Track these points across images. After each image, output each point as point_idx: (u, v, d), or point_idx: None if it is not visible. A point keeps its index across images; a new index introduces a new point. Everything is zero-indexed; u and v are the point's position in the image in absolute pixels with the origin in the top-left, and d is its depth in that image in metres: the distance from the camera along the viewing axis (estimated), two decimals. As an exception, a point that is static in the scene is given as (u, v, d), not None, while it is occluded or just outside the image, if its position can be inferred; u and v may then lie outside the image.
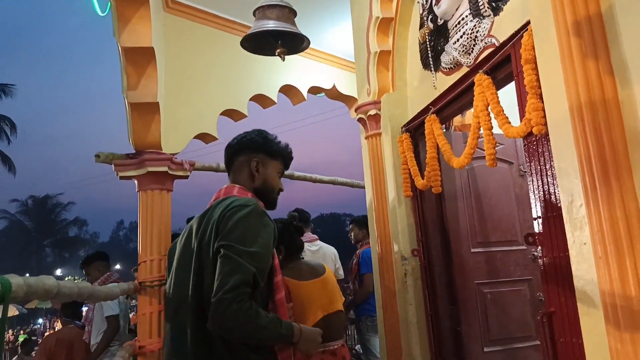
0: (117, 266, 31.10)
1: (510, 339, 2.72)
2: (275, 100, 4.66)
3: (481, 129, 2.03)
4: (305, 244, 2.63)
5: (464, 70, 2.26)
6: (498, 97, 1.91)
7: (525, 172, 3.01)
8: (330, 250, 4.24)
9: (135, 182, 3.98)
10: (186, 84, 4.06)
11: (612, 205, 1.19)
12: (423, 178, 2.62)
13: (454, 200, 2.80)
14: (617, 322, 1.18)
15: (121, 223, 74.50)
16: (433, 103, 2.49)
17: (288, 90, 4.79)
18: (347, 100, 5.34)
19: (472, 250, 2.77)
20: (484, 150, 2.90)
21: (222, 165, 4.66)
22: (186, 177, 4.08)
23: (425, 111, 2.62)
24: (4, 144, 32.83)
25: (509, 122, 1.83)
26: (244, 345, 1.40)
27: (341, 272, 4.38)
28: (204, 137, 4.29)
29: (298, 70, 4.81)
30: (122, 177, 3.95)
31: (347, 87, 5.16)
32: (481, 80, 1.97)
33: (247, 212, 1.45)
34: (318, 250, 4.15)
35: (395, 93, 2.99)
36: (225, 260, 1.37)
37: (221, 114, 4.31)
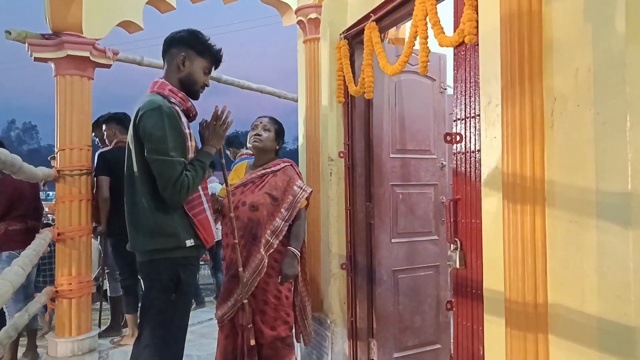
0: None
1: (413, 232, 3.14)
2: (205, -5, 4.47)
3: (417, 38, 2.21)
4: None
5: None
6: (436, 9, 2.08)
7: (446, 89, 3.32)
8: None
9: (52, 65, 3.73)
10: (113, -40, 3.74)
11: (523, 104, 1.46)
12: (356, 85, 2.80)
13: (380, 109, 3.03)
14: (514, 198, 1.49)
15: (12, 122, 67.49)
16: (374, 11, 2.62)
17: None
18: (280, 6, 5.26)
19: (391, 155, 3.07)
20: (411, 64, 3.14)
21: (147, 59, 4.52)
22: (108, 66, 3.91)
23: (365, 19, 2.74)
24: None
25: (444, 32, 2.03)
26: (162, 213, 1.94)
27: None
28: (128, 26, 4.06)
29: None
30: (37, 59, 3.67)
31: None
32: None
33: (155, 116, 1.86)
34: None
35: (336, -1, 3.06)
36: (157, 162, 1.86)
37: (147, 2, 4.07)
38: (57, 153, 3.63)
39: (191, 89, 2.07)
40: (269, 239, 2.59)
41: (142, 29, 4.08)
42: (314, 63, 3.15)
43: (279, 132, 2.80)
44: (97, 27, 3.77)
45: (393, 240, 3.07)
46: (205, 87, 2.14)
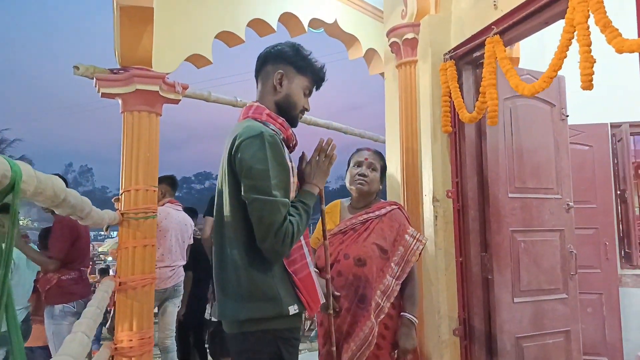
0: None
1: (539, 290, 2.56)
2: (275, 28, 4.22)
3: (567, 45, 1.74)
4: None
5: (545, -18, 1.95)
6: (604, 7, 1.61)
7: (568, 115, 2.79)
8: None
9: (120, 101, 3.49)
10: (182, -4, 3.54)
11: None
12: (471, 111, 2.33)
13: (494, 140, 2.54)
14: None
15: (70, 165, 71.70)
16: (496, 23, 2.18)
17: (288, 20, 4.33)
18: (348, 39, 4.97)
19: (509, 195, 2.55)
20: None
21: (214, 94, 4.27)
22: (177, 101, 3.63)
23: (482, 33, 2.31)
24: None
25: (621, 35, 1.55)
26: (261, 272, 1.48)
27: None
28: (197, 60, 3.82)
29: (300, -1, 4.35)
30: (104, 95, 3.44)
31: (350, 25, 4.77)
32: (583, -14, 1.67)
33: (256, 146, 1.44)
34: None
35: (438, 16, 2.65)
36: (256, 202, 1.43)
37: (216, 36, 3.84)
38: (121, 194, 3.34)
39: (290, 113, 1.65)
40: (380, 301, 2.07)
41: (211, 62, 3.84)
42: (411, 89, 2.72)
43: (384, 169, 2.31)
44: (166, 61, 3.55)
45: (516, 300, 2.49)
46: (306, 112, 1.72)
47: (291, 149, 1.68)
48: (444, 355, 2.46)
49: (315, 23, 4.56)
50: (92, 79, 3.38)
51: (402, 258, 2.12)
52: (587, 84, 1.65)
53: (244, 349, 1.51)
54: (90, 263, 4.01)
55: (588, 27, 1.66)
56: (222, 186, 1.54)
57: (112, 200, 4.53)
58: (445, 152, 2.59)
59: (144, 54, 3.36)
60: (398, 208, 2.24)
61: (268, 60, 1.64)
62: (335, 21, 4.64)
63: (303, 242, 1.60)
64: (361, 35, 4.91)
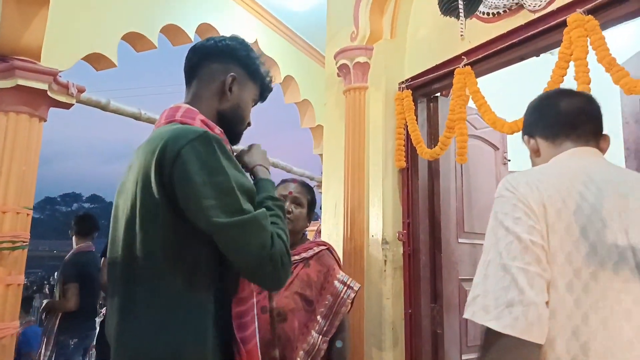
0: None
1: (485, 345, 2.37)
2: (192, 38, 3.79)
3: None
4: None
5: (525, 15, 1.83)
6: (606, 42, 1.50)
7: (509, 160, 2.74)
8: None
9: (-9, 97, 2.76)
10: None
11: None
12: (430, 146, 2.13)
13: (447, 179, 2.36)
14: None
15: None
16: (468, 54, 2.01)
17: (205, 31, 3.94)
18: (266, 62, 4.69)
19: (459, 240, 2.36)
20: (475, 128, 2.54)
21: (113, 104, 3.65)
22: (69, 106, 2.99)
23: (444, 65, 2.14)
24: None
25: (628, 74, 1.42)
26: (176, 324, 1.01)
27: None
28: (97, 60, 3.25)
29: (218, 8, 4.01)
30: (-31, 88, 2.69)
31: (271, 48, 4.51)
32: (581, 21, 1.55)
33: (204, 151, 1.03)
34: None
35: (393, 41, 2.45)
36: (233, 228, 1.00)
37: (123, 37, 3.31)
38: (-18, 216, 2.59)
39: (235, 127, 1.27)
40: None
41: (115, 65, 3.29)
42: (360, 117, 2.46)
43: (312, 204, 1.95)
44: (60, 56, 2.93)
45: (464, 357, 2.27)
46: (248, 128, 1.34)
47: None
48: None
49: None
50: (-46, 65, 2.62)
51: (330, 309, 1.77)
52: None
53: None
54: None
55: (587, 64, 1.53)
56: (129, 213, 1.07)
57: None
58: (396, 189, 2.34)
59: (33, 42, 2.72)
60: (327, 249, 1.89)
61: (213, 56, 1.24)
62: (256, 41, 4.33)
63: (254, 297, 1.18)
64: (281, 60, 4.66)
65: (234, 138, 1.27)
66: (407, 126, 2.27)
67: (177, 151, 1.01)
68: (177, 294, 1.02)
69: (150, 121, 3.75)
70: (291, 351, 1.66)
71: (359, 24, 2.51)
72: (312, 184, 5.45)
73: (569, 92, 1.13)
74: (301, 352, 1.68)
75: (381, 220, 2.29)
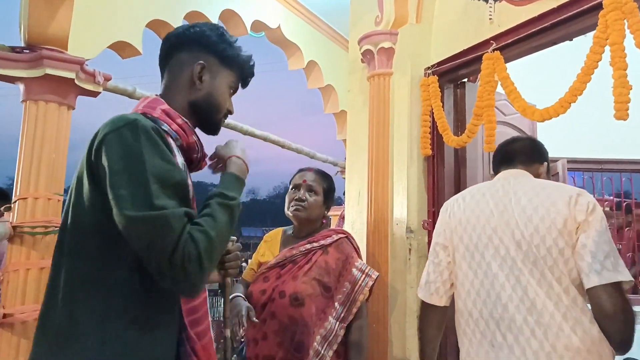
0: None
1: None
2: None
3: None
4: None
5: (558, -2, 1.75)
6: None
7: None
8: None
9: (21, 87, 2.81)
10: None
11: None
12: (457, 133, 2.08)
13: (474, 167, 2.32)
14: None
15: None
16: (496, 38, 1.95)
17: (229, 18, 3.92)
18: (290, 48, 4.68)
19: (486, 229, 2.32)
20: (504, 114, 2.47)
21: (139, 91, 3.69)
22: (96, 94, 3.03)
23: (472, 50, 2.08)
24: None
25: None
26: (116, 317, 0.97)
27: None
28: (122, 49, 3.28)
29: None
30: (1, 78, 2.75)
31: (294, 33, 4.48)
32: (619, 3, 1.47)
33: (124, 140, 0.98)
34: None
35: (419, 26, 2.39)
36: (134, 222, 0.94)
37: (148, 24, 3.32)
38: (15, 202, 2.67)
39: (211, 117, 1.23)
40: (320, 348, 1.71)
41: (140, 53, 3.31)
42: (384, 104, 2.42)
43: (329, 192, 1.95)
44: (86, 45, 2.96)
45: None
46: (229, 115, 1.30)
47: (193, 167, 1.21)
48: (413, 411, 2.14)
49: (257, 26, 4.18)
50: (-13, 56, 2.68)
51: (347, 297, 1.79)
52: (622, 113, 1.45)
53: None
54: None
55: (624, 49, 1.47)
56: (69, 202, 1.05)
57: (1, 209, 3.68)
58: (422, 177, 2.31)
59: (59, 32, 2.75)
60: (346, 237, 1.90)
61: (182, 45, 1.20)
62: (279, 27, 4.30)
63: (206, 290, 1.17)
64: (304, 45, 4.62)
65: (212, 128, 1.26)
66: (433, 113, 2.23)
67: (102, 138, 0.99)
68: (118, 292, 0.98)
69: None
70: (308, 336, 1.70)
71: (384, 8, 2.46)
72: (335, 169, 5.44)
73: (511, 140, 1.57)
74: (318, 337, 1.72)
75: (406, 208, 2.27)
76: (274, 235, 2.03)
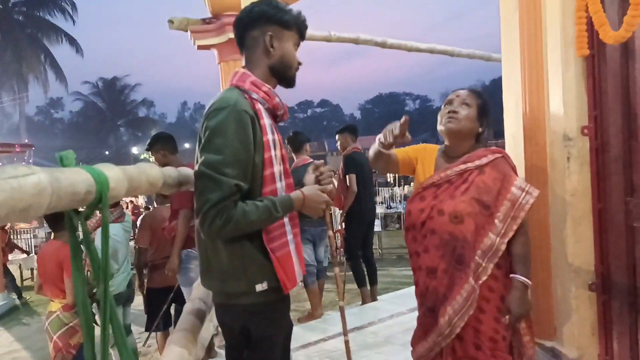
0: (187, 145, 32.41)
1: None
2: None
3: None
4: None
5: None
6: None
7: None
8: None
9: (215, 52, 3.46)
10: None
11: None
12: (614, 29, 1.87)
13: (647, 60, 2.05)
14: None
15: (185, 104, 77.06)
16: None
17: None
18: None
19: (665, 127, 2.08)
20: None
21: (335, 33, 4.03)
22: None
23: None
24: (69, 25, 33.00)
25: None
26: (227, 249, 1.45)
27: None
28: (288, -5, 3.60)
29: None
30: (200, 47, 3.42)
31: None
32: None
33: (221, 118, 1.39)
34: None
35: None
36: (202, 175, 1.38)
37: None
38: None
39: (287, 74, 1.59)
40: (481, 262, 1.83)
41: (302, -4, 3.61)
42: (535, 3, 2.26)
43: (483, 109, 1.95)
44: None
45: (668, 251, 2.12)
46: (300, 67, 1.63)
47: (278, 119, 1.61)
48: (576, 311, 2.21)
49: None
50: (187, 31, 3.36)
51: (507, 215, 1.82)
52: None
53: (219, 321, 1.61)
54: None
55: None
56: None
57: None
58: (580, 80, 2.16)
59: (232, -1, 3.23)
60: (502, 157, 1.91)
61: (251, 25, 1.54)
62: None
63: (286, 219, 1.52)
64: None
65: (290, 82, 1.61)
66: (588, 7, 2.02)
67: (208, 113, 1.43)
68: None
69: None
70: (469, 250, 1.83)
71: None
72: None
73: None
74: (479, 252, 1.83)
75: (562, 115, 2.18)
76: (431, 151, 2.08)
